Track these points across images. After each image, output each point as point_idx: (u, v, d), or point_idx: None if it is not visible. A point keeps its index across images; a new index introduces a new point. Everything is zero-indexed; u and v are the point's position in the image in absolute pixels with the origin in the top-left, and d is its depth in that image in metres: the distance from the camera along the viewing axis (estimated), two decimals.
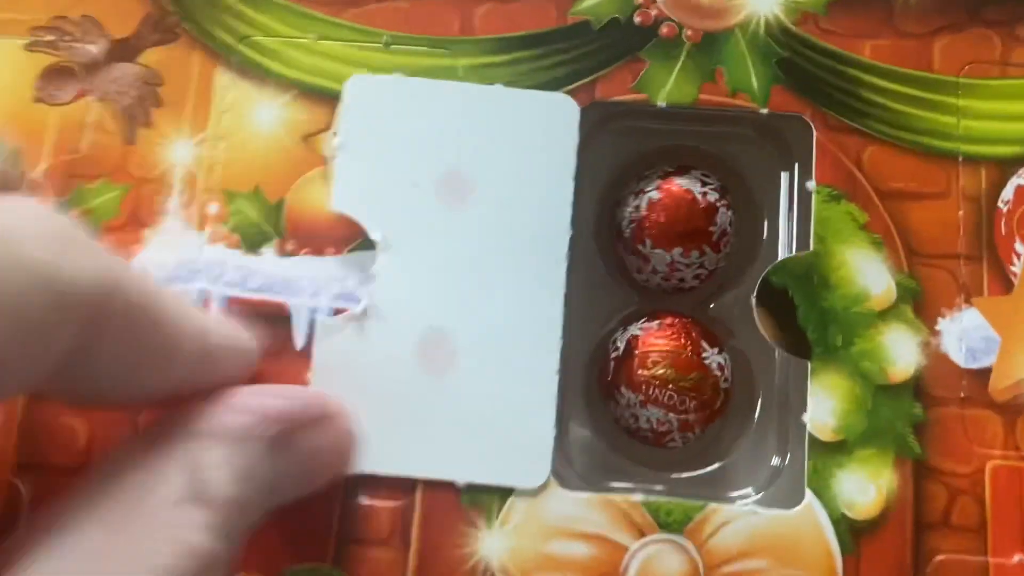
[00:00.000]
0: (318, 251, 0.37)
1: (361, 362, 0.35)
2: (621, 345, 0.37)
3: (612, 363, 0.37)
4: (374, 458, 0.34)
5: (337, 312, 0.36)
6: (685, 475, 0.37)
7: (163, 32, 0.39)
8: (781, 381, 0.36)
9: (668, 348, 0.36)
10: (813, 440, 0.35)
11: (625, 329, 0.37)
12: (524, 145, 0.36)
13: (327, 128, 0.37)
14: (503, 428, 0.35)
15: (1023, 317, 0.37)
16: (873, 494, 0.34)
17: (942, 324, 0.36)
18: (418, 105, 0.37)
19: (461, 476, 0.34)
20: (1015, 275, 0.37)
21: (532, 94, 0.36)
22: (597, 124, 0.37)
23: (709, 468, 0.37)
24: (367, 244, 0.36)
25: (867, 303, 0.36)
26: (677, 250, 0.36)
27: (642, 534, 0.34)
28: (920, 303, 0.36)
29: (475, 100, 0.37)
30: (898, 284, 0.36)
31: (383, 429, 0.34)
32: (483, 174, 0.36)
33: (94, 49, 0.39)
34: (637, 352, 0.36)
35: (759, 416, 0.37)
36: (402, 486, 0.34)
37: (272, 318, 0.36)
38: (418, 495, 0.34)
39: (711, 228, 0.36)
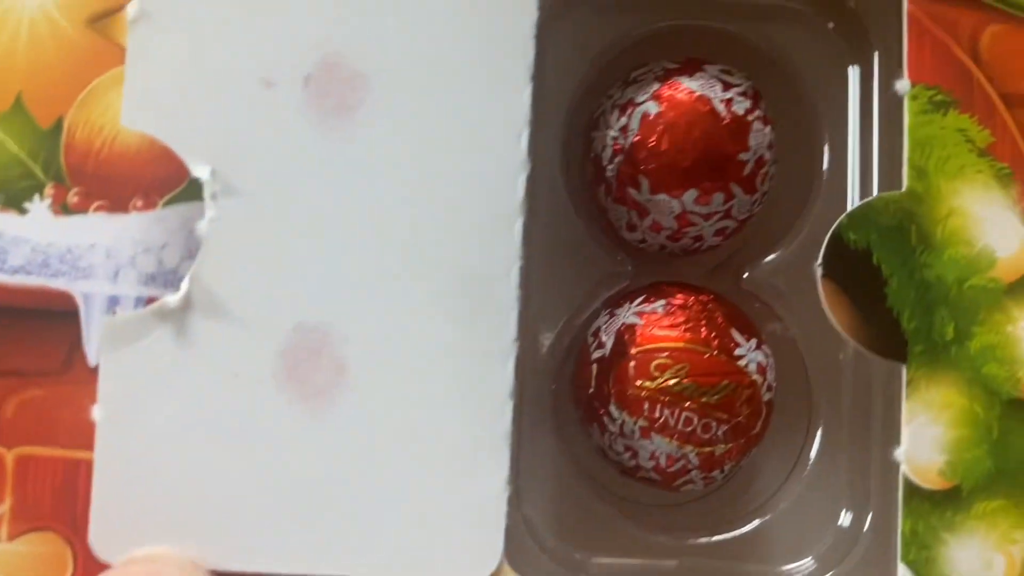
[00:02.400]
0: (119, 205, 0.28)
1: (180, 388, 0.27)
2: (608, 340, 0.29)
3: (594, 369, 0.30)
4: (218, 551, 0.26)
5: (148, 303, 0.27)
6: (707, 540, 0.31)
7: None
8: (857, 394, 0.31)
9: (681, 344, 0.29)
10: (910, 487, 0.29)
11: (612, 315, 0.30)
12: (449, 22, 0.28)
13: (125, 3, 0.29)
14: (425, 488, 0.27)
15: None
16: (1002, 569, 0.29)
17: None
18: None
19: (360, 572, 0.27)
20: None
21: None
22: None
23: (744, 528, 0.31)
24: (194, 190, 0.28)
25: (992, 272, 0.30)
26: (690, 193, 0.29)
27: None
28: None
29: None
30: None
31: (227, 502, 0.26)
32: (381, 67, 0.28)
33: None
34: (634, 351, 0.29)
35: (820, 448, 0.31)
36: None
37: (46, 314, 0.28)
38: None
39: (741, 156, 0.29)
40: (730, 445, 0.29)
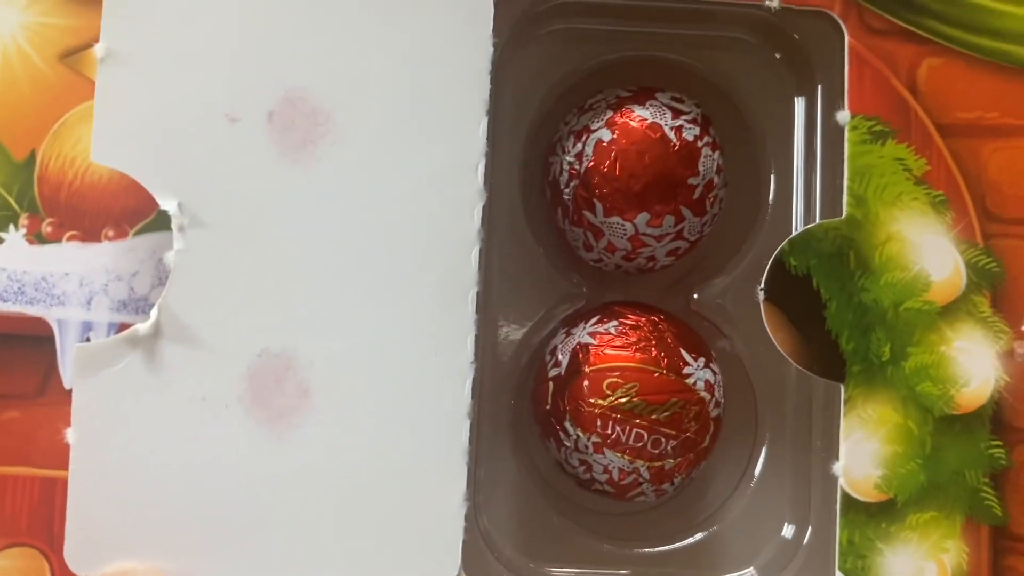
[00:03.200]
0: (91, 235, 0.29)
1: (151, 411, 0.27)
2: (563, 359, 0.30)
3: (551, 386, 0.30)
4: (187, 565, 0.27)
5: (120, 329, 0.28)
6: (657, 550, 0.31)
7: None
8: (799, 411, 0.31)
9: (632, 364, 0.29)
10: (848, 500, 0.30)
11: (568, 334, 0.31)
12: (408, 58, 0.29)
13: (96, 40, 0.28)
14: (385, 505, 0.27)
15: None
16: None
17: None
18: None
19: None
20: None
21: None
22: (520, 26, 0.31)
23: (693, 539, 0.31)
24: (163, 221, 0.29)
25: (925, 295, 0.30)
26: (642, 216, 0.30)
27: None
28: (1000, 291, 0.30)
29: None
30: (970, 265, 0.30)
31: (195, 520, 0.27)
32: (341, 102, 0.28)
33: None
34: (587, 370, 0.29)
35: (764, 463, 0.32)
36: None
37: (22, 339, 0.28)
38: None
39: (691, 180, 0.30)
40: (679, 459, 0.29)
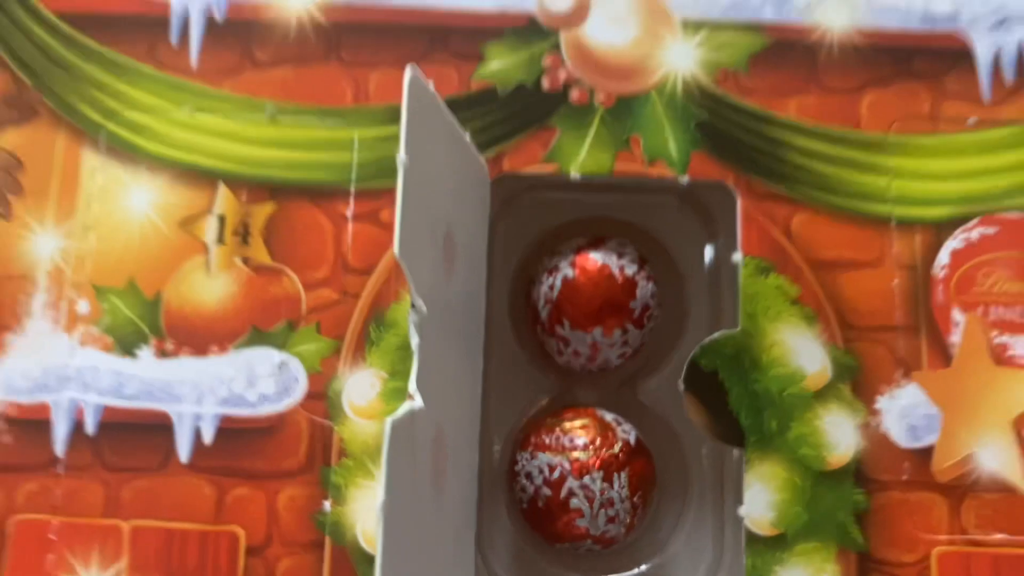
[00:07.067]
0: (201, 350, 0.35)
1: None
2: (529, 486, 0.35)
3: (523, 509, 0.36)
4: None
5: (223, 420, 0.35)
6: None
7: (20, 109, 0.36)
8: (715, 471, 0.36)
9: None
10: (751, 535, 0.35)
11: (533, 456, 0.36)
12: (442, 218, 0.33)
13: (206, 212, 0.36)
14: None
15: (964, 390, 0.36)
16: None
17: (881, 402, 0.36)
18: None
19: None
20: (954, 346, 0.36)
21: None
22: (507, 198, 0.37)
23: (643, 567, 0.36)
24: (255, 339, 0.35)
25: (802, 384, 0.36)
26: (598, 329, 0.36)
27: None
28: (858, 380, 0.36)
29: None
30: (834, 361, 0.36)
31: None
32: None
33: None
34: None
35: (694, 510, 0.36)
36: None
37: (153, 428, 0.35)
38: None
39: (631, 304, 0.36)
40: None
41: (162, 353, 0.35)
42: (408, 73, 0.28)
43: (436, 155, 0.31)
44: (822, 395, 0.36)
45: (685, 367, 0.36)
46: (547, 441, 0.35)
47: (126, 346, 0.35)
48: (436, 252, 0.30)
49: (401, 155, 0.28)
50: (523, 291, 0.37)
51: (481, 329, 0.35)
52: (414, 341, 0.28)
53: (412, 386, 0.28)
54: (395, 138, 0.32)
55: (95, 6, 0.38)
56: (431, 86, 0.30)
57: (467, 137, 0.33)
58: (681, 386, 0.36)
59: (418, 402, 0.28)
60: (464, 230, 0.33)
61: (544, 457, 0.35)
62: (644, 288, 0.36)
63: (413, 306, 0.29)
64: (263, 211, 0.36)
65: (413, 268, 0.28)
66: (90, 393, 0.34)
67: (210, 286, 0.36)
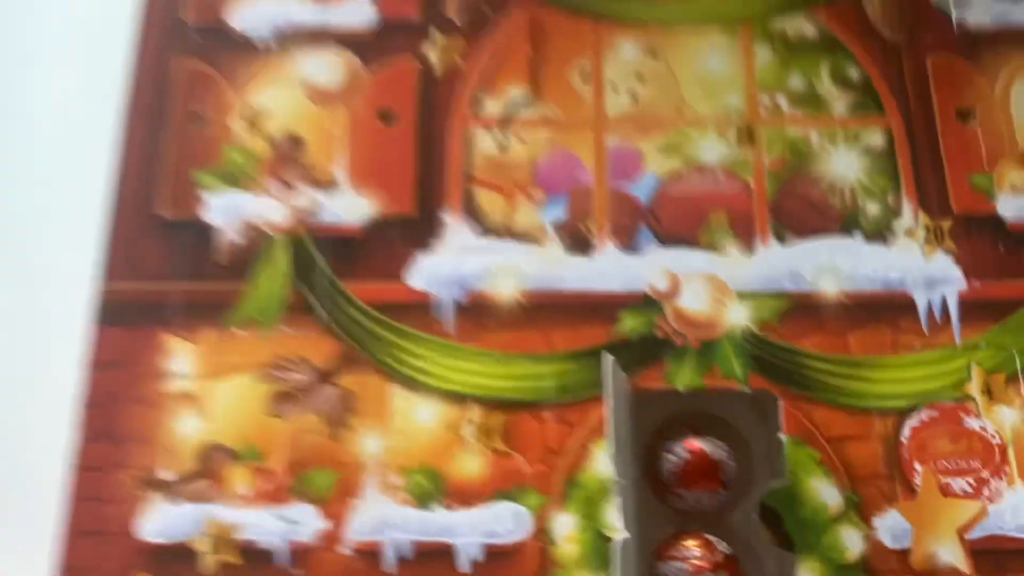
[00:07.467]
0: (469, 504, 0.53)
1: None
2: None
3: None
4: None
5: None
6: None
7: (352, 363, 0.58)
8: (778, 570, 0.51)
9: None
10: None
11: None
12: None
13: (464, 419, 0.55)
14: None
15: (925, 513, 0.52)
16: None
17: (876, 522, 0.51)
18: None
19: None
20: (917, 486, 0.53)
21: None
22: (639, 404, 0.56)
23: None
24: (498, 496, 0.54)
25: (827, 512, 0.52)
26: (703, 492, 0.52)
27: None
28: (860, 509, 0.52)
29: None
30: (845, 498, 0.52)
31: None
32: None
33: (306, 378, 0.58)
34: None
35: None
36: None
37: (442, 553, 0.52)
38: None
39: (721, 475, 0.52)
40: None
41: (446, 507, 0.52)
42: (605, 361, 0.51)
43: (619, 407, 0.54)
44: (839, 519, 0.51)
45: (757, 505, 0.51)
46: (675, 553, 0.56)
47: (424, 503, 0.52)
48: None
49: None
50: (652, 466, 0.53)
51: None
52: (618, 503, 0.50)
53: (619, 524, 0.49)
54: (573, 371, 0.55)
55: (385, 296, 0.59)
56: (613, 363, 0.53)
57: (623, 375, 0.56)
58: (755, 517, 0.51)
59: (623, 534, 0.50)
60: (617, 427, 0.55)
61: (674, 564, 0.56)
62: (728, 464, 0.52)
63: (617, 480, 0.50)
64: (498, 419, 0.55)
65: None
66: (404, 532, 0.52)
67: (471, 464, 0.53)
